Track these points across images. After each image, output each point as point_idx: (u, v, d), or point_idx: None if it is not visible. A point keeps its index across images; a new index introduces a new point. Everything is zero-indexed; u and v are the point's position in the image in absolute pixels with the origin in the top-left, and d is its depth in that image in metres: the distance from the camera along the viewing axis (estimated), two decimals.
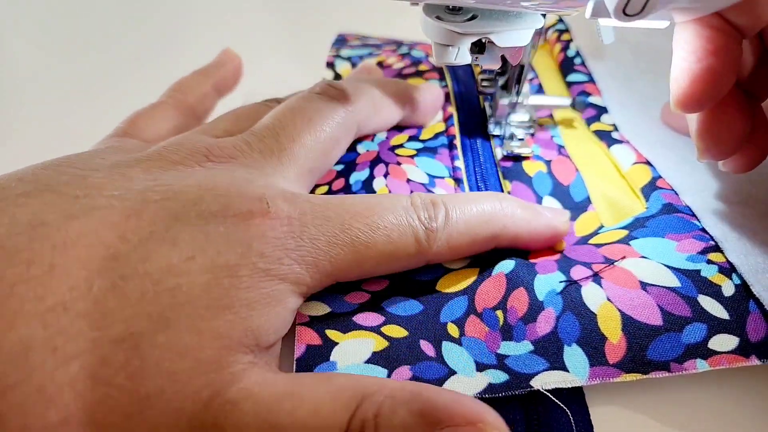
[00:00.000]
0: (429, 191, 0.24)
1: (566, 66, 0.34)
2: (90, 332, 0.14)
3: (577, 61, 0.33)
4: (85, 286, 0.15)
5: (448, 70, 0.32)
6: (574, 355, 0.18)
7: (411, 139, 0.27)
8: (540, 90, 0.32)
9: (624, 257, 0.20)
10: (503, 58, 0.24)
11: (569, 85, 0.32)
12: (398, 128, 0.28)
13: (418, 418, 0.14)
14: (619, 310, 0.19)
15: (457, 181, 0.25)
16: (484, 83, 0.30)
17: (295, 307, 0.18)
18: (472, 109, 0.29)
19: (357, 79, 0.26)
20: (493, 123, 0.28)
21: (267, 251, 0.17)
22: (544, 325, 0.19)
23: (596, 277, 0.20)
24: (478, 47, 0.23)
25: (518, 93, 0.27)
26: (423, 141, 0.27)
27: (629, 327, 0.18)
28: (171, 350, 0.15)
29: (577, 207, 0.25)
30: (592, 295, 0.19)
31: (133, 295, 0.15)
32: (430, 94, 0.28)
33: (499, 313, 0.19)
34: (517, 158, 0.27)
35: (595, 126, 0.29)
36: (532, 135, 0.28)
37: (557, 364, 0.18)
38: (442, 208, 0.20)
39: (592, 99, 0.30)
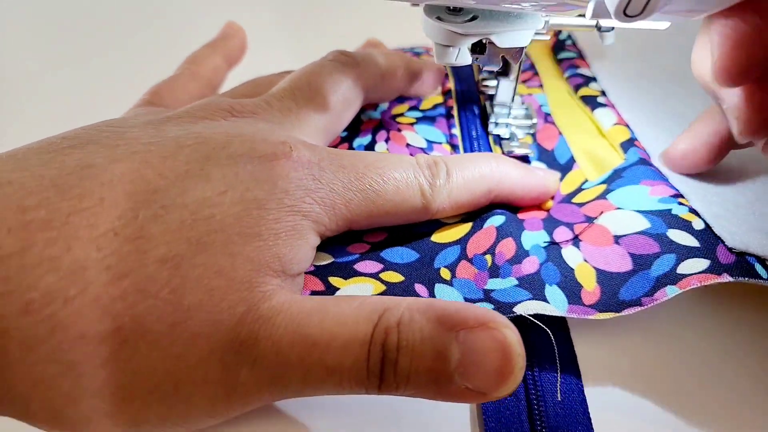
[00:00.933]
0: (427, 153, 0.26)
1: (558, 47, 0.35)
2: (138, 254, 0.16)
3: (568, 42, 0.35)
4: (132, 215, 0.16)
5: (450, 68, 0.33)
6: (554, 293, 0.20)
7: (411, 108, 0.29)
8: (532, 66, 0.34)
9: (602, 212, 0.22)
10: (504, 59, 0.24)
11: (560, 61, 0.34)
12: (399, 99, 0.30)
13: (435, 324, 0.15)
14: (594, 268, 0.21)
15: (453, 147, 0.27)
16: (485, 83, 0.30)
17: (314, 245, 0.19)
18: (473, 107, 0.30)
19: (364, 51, 0.27)
20: (494, 123, 0.29)
21: (291, 189, 0.18)
22: (528, 266, 0.21)
23: (575, 240, 0.22)
24: (479, 48, 0.23)
25: (517, 77, 0.27)
26: (422, 111, 0.29)
27: (603, 278, 0.20)
28: (208, 270, 0.16)
29: (562, 168, 0.27)
30: (570, 256, 0.21)
31: (173, 223, 0.16)
32: (433, 67, 0.30)
33: (488, 257, 0.21)
34: (523, 159, 0.27)
35: (583, 91, 0.30)
36: (533, 135, 0.28)
37: (539, 296, 0.20)
38: (443, 167, 0.21)
39: (581, 71, 0.32)
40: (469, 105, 0.30)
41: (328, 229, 0.20)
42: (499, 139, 0.28)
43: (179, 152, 0.18)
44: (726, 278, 0.18)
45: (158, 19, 0.45)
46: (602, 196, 0.23)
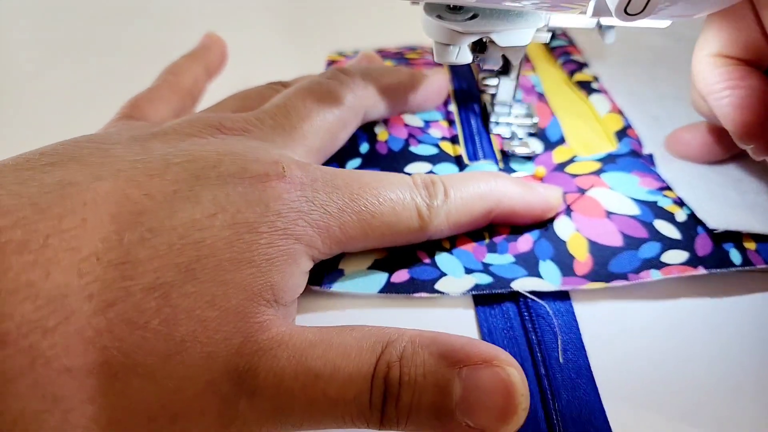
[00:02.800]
0: (424, 132, 0.27)
1: None
2: (122, 281, 0.15)
3: (558, 30, 0.36)
4: (116, 239, 0.15)
5: (449, 67, 0.33)
6: (548, 268, 0.21)
7: None
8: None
9: (593, 185, 0.24)
10: (504, 58, 0.24)
11: (552, 49, 0.35)
12: None
13: (438, 359, 0.15)
14: (587, 239, 0.22)
15: (450, 122, 0.28)
16: (485, 82, 0.30)
17: (307, 270, 0.19)
18: (473, 106, 0.30)
19: (363, 67, 0.26)
20: (494, 122, 0.28)
21: (283, 211, 0.18)
22: (523, 244, 0.22)
23: (567, 210, 0.23)
24: (479, 46, 0.23)
25: (518, 76, 0.27)
26: None
27: (594, 249, 0.22)
28: (199, 299, 0.16)
29: (553, 144, 0.28)
30: (563, 227, 0.23)
31: (161, 248, 0.16)
32: (436, 83, 0.29)
33: (486, 233, 0.23)
34: (528, 158, 0.27)
35: (578, 76, 0.32)
36: (534, 135, 0.28)
37: (534, 273, 0.21)
38: (441, 186, 0.21)
39: (574, 57, 0.33)
40: (469, 104, 0.30)
41: (322, 253, 0.19)
42: (499, 138, 0.28)
43: (167, 171, 0.17)
44: (701, 270, 0.21)
45: (157, 19, 0.45)
46: (596, 173, 0.25)
